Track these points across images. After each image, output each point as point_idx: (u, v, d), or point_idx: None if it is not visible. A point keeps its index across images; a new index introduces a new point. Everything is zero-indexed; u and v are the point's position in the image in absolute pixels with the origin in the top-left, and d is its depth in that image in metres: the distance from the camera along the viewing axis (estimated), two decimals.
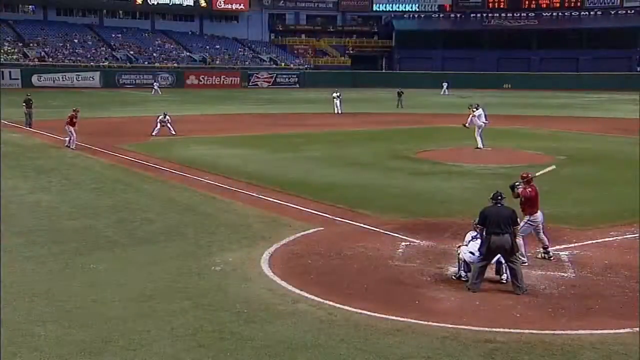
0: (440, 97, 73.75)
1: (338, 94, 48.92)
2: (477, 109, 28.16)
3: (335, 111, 47.57)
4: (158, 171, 21.98)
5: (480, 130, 27.53)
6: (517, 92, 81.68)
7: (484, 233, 10.48)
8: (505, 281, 10.63)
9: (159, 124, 32.19)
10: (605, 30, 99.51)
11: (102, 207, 16.34)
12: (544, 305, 9.89)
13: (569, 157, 25.35)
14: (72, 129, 26.68)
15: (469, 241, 10.97)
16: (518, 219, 10.82)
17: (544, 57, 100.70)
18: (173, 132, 32.11)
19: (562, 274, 11.38)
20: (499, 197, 10.74)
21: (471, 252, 10.70)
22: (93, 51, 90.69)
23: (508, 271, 10.55)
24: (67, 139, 27.13)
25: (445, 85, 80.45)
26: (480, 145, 27.14)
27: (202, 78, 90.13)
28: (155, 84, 76.99)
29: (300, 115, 46.90)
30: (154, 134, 31.77)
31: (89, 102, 58.03)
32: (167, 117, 32.65)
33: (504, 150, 27.41)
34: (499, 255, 10.64)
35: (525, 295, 10.20)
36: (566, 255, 12.36)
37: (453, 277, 10.95)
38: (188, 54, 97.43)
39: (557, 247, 12.84)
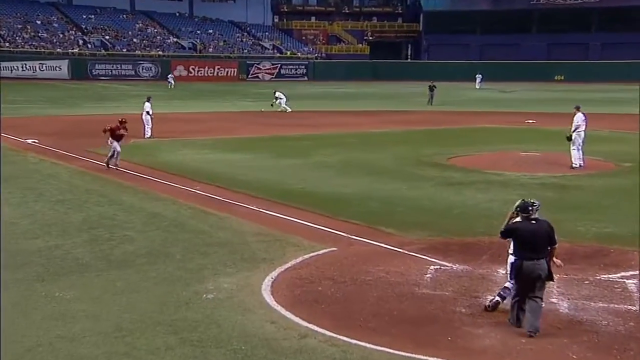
0: (477, 92, 73.73)
1: (278, 94, 48.53)
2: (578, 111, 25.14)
3: (280, 109, 47.34)
4: (139, 180, 22.06)
5: (581, 141, 24.75)
6: (572, 85, 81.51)
7: (515, 256, 10.18)
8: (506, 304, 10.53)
9: (143, 121, 31.98)
10: None
11: (71, 223, 16.39)
12: (607, 344, 9.78)
13: (635, 164, 25.14)
14: (116, 143, 23.87)
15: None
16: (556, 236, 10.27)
17: (606, 42, 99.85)
18: (149, 133, 31.89)
19: (630, 306, 11.24)
20: (530, 209, 10.07)
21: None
22: (60, 35, 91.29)
23: (527, 305, 10.08)
24: (109, 154, 23.98)
25: (479, 77, 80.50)
26: (576, 162, 24.58)
27: (192, 69, 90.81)
28: (170, 76, 77.57)
29: (309, 113, 47.00)
30: (147, 135, 31.75)
31: (55, 97, 58.46)
32: (150, 107, 32.11)
33: (555, 154, 27.30)
34: (508, 285, 10.47)
35: (584, 333, 10.10)
36: (634, 284, 12.22)
37: (487, 306, 10.88)
38: (175, 39, 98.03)
39: (623, 274, 12.74)
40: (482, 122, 40.93)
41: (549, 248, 10.09)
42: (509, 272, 10.80)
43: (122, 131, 24.17)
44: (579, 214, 17.46)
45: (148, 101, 32.56)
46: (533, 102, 59.82)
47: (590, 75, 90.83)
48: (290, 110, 47.07)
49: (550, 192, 20.22)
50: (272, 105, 47.43)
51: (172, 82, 75.84)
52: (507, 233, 10.30)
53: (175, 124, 38.29)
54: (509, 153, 28.42)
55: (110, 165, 23.68)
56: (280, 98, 47.97)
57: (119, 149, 23.88)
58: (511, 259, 10.55)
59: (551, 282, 10.50)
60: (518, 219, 10.34)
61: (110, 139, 23.88)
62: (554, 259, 10.34)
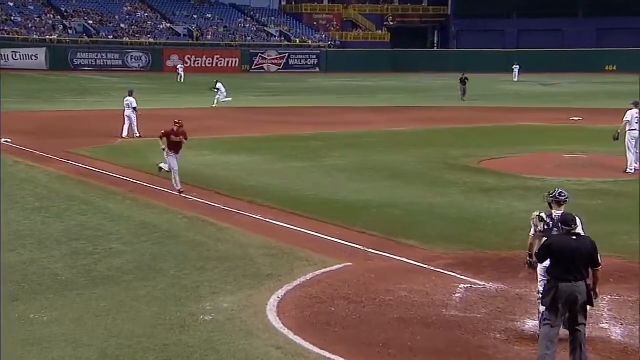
0: (514, 85, 73.56)
1: (220, 85, 48.81)
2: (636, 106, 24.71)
3: (215, 104, 47.89)
4: (128, 185, 22.14)
5: (635, 143, 24.61)
6: (625, 77, 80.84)
7: (549, 276, 9.79)
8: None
9: (126, 119, 32.08)
10: None
11: (50, 235, 16.47)
12: None
13: None
14: (174, 156, 20.66)
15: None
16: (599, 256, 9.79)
17: None
18: (137, 133, 32.06)
19: None
20: (572, 223, 9.68)
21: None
22: (36, 19, 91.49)
23: (571, 339, 9.73)
24: (174, 178, 20.72)
25: (516, 68, 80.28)
26: (632, 166, 24.50)
27: (188, 59, 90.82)
28: (179, 66, 77.01)
29: (320, 109, 47.08)
30: (124, 135, 31.91)
31: (31, 90, 58.63)
32: (132, 103, 32.01)
33: (605, 157, 27.22)
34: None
35: None
36: None
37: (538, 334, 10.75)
38: (169, 25, 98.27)
39: None
40: (519, 120, 40.85)
41: (590, 270, 9.64)
42: (541, 275, 10.61)
43: (178, 138, 20.73)
44: (633, 225, 17.32)
45: (131, 95, 32.56)
46: (579, 96, 59.64)
47: None
48: (216, 105, 47.38)
49: (599, 200, 20.16)
50: (212, 89, 48.73)
51: (182, 73, 75.07)
52: (544, 253, 9.78)
53: (167, 121, 38.22)
54: (550, 155, 28.35)
55: (180, 190, 20.57)
56: (220, 91, 48.34)
57: (175, 166, 20.57)
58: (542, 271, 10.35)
59: (597, 306, 10.36)
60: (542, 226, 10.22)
61: (169, 152, 20.63)
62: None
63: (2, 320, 10.27)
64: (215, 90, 48.52)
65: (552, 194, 10.55)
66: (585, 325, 9.73)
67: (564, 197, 10.45)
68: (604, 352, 10.34)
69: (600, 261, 9.75)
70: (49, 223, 17.51)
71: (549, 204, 10.55)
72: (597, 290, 9.83)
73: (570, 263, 9.49)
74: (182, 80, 72.71)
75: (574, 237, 9.63)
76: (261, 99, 55.25)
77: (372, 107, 49.77)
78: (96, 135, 32.87)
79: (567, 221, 9.71)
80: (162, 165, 21.16)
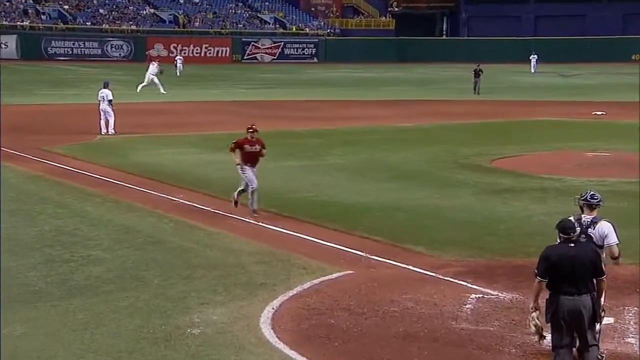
0: (531, 77, 73.55)
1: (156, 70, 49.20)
2: None
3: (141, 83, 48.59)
4: (108, 186, 22.14)
5: None
6: None
7: (549, 290, 9.62)
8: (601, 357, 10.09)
9: (102, 114, 32.05)
10: None
11: (21, 240, 16.45)
12: None
13: None
14: (249, 171, 18.65)
15: None
16: (604, 265, 9.71)
17: None
18: (112, 130, 32.00)
19: None
20: (571, 231, 9.56)
21: None
22: (6, 4, 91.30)
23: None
24: (250, 198, 18.74)
25: (533, 58, 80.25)
26: None
27: (174, 48, 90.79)
28: (178, 58, 76.51)
29: (319, 103, 47.10)
30: (103, 132, 31.92)
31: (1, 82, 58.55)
32: (108, 95, 32.06)
33: (631, 155, 27.22)
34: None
35: None
36: None
37: None
38: (152, 10, 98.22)
39: None
40: (536, 115, 40.93)
41: (594, 281, 9.52)
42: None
43: (254, 147, 18.80)
44: None
45: (106, 87, 32.53)
46: (603, 88, 59.64)
47: None
48: (140, 87, 47.96)
49: (624, 202, 20.12)
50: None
51: (181, 66, 74.59)
52: (543, 266, 9.56)
53: (150, 116, 38.37)
54: (570, 153, 28.39)
55: (254, 211, 18.69)
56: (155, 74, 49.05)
57: (254, 184, 18.54)
58: None
59: (622, 319, 10.32)
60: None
61: (242, 166, 18.73)
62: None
63: (1, 322, 10.30)
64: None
65: (583, 196, 10.36)
66: (597, 347, 9.65)
67: (595, 200, 10.27)
68: None
69: (604, 270, 9.61)
70: (20, 227, 17.51)
71: (581, 207, 10.36)
72: (603, 302, 9.73)
73: (571, 274, 9.36)
74: (180, 74, 72.47)
75: (572, 245, 9.50)
76: (254, 92, 55.22)
77: (376, 101, 49.79)
78: (73, 131, 32.87)
79: (565, 228, 9.58)
80: (239, 189, 18.99)
